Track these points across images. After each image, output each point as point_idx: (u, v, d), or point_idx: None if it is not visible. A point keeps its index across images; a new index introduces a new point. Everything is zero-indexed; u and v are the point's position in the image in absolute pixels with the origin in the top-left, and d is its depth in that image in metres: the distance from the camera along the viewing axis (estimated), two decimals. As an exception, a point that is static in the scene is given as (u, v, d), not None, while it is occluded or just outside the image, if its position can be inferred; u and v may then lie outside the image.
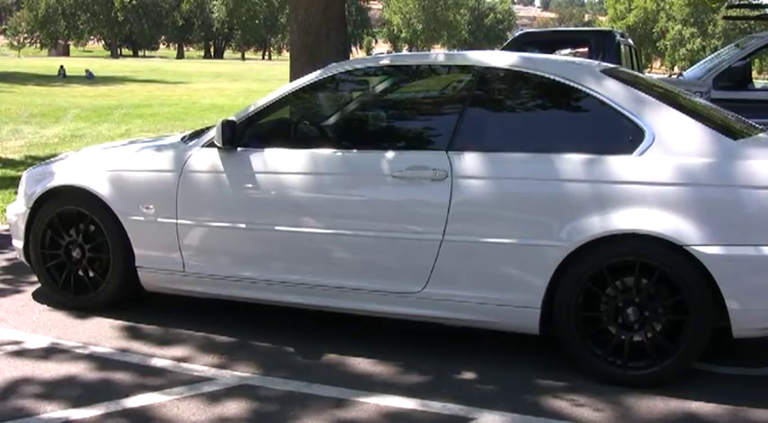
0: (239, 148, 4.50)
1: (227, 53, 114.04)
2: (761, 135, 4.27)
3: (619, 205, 3.76)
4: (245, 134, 4.55)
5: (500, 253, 3.96)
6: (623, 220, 3.74)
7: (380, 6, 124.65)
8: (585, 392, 3.76)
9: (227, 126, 4.45)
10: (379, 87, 4.95)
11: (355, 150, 4.41)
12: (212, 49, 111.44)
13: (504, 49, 11.03)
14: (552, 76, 4.16)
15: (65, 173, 4.95)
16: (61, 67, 39.35)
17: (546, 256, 3.86)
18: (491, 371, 4.01)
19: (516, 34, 12.08)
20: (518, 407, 3.61)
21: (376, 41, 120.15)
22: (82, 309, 4.87)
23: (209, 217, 4.53)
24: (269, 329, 4.59)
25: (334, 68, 4.73)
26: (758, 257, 3.62)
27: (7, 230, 5.74)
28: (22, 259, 5.15)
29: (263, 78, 40.34)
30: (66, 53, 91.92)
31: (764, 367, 4.17)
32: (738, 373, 4.06)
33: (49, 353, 4.24)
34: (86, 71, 37.97)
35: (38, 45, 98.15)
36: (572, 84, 4.10)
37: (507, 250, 3.95)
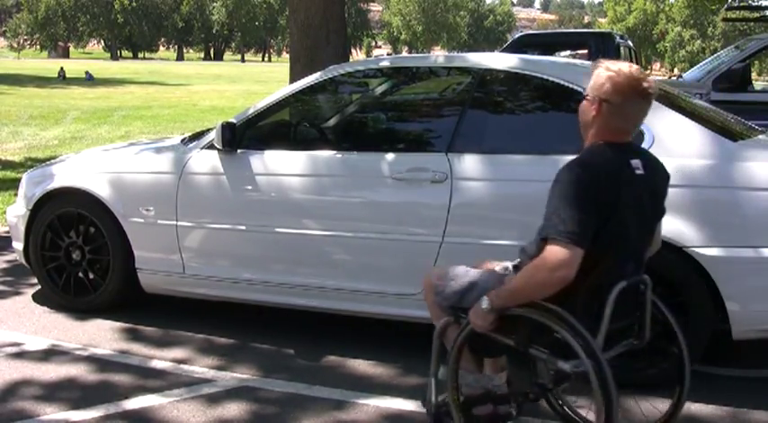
0: (239, 150, 4.50)
1: (227, 55, 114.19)
2: (760, 137, 4.27)
3: (618, 207, 3.75)
4: (244, 136, 4.55)
5: (500, 254, 3.95)
6: (623, 221, 3.73)
7: (380, 8, 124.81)
8: (585, 395, 3.75)
9: (227, 128, 4.45)
10: (379, 89, 4.95)
11: (355, 152, 4.41)
12: (212, 51, 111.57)
13: (503, 51, 11.04)
14: (552, 78, 4.16)
15: (65, 175, 4.95)
16: (61, 68, 39.42)
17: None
18: (491, 373, 4.01)
19: (516, 36, 12.10)
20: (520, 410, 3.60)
21: (376, 43, 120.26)
22: (82, 311, 4.87)
23: (208, 219, 4.53)
24: (269, 331, 4.59)
25: (334, 70, 4.73)
26: (758, 259, 3.62)
27: (7, 232, 5.74)
28: (22, 261, 5.15)
29: (263, 80, 40.38)
30: (65, 55, 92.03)
31: (764, 369, 4.17)
32: (738, 374, 4.06)
33: (49, 354, 4.24)
34: (86, 73, 38.04)
35: (38, 47, 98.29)
36: (572, 85, 4.10)
37: (507, 252, 3.93)
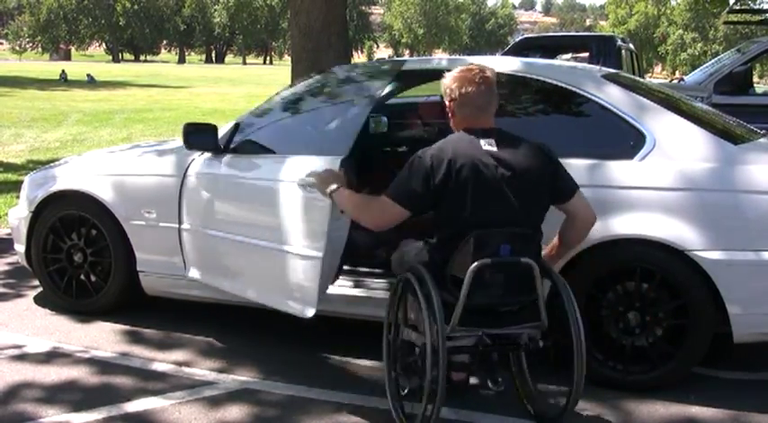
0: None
1: (229, 58, 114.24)
2: (762, 140, 4.27)
3: (620, 210, 3.76)
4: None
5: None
6: (624, 225, 3.74)
7: (382, 11, 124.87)
8: (586, 397, 3.74)
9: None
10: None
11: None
12: (214, 54, 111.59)
13: (505, 53, 11.04)
14: (553, 81, 4.16)
15: (67, 177, 4.96)
16: (63, 71, 39.46)
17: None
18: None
19: (517, 39, 12.09)
20: (519, 411, 3.61)
21: (377, 46, 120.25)
22: (83, 313, 4.88)
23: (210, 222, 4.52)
24: (270, 334, 4.59)
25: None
26: (759, 262, 3.62)
27: (9, 234, 5.75)
28: (24, 263, 5.15)
29: (265, 83, 40.37)
30: (67, 57, 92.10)
31: (765, 372, 4.17)
32: (739, 377, 4.06)
33: (51, 357, 4.25)
34: (88, 75, 38.08)
35: (39, 49, 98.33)
36: (573, 89, 4.10)
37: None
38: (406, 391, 3.48)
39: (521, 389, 3.61)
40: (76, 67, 48.96)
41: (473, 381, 3.77)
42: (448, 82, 3.40)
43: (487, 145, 3.23)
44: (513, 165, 3.21)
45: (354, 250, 4.22)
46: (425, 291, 3.15)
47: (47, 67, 51.64)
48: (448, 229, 3.23)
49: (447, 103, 3.42)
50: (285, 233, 3.91)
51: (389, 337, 3.49)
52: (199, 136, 4.39)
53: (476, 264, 3.06)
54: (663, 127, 3.89)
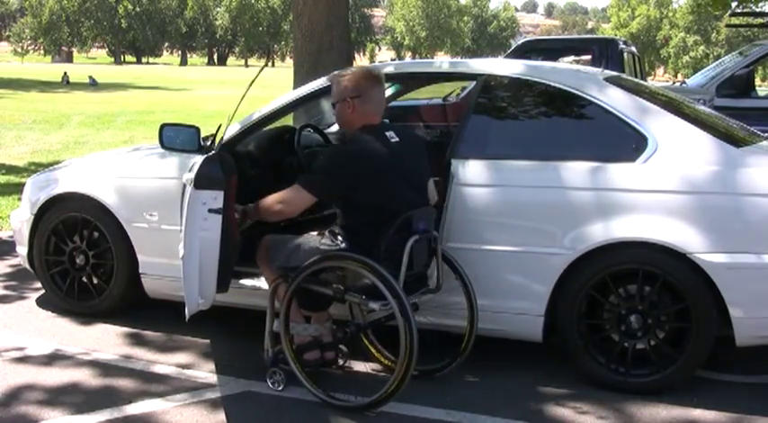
0: None
1: (231, 60, 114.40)
2: (764, 143, 4.27)
3: (622, 213, 3.76)
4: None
5: (503, 261, 3.95)
6: (626, 228, 3.74)
7: (384, 14, 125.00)
8: (588, 400, 3.76)
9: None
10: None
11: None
12: (216, 56, 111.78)
13: (507, 56, 11.04)
14: (556, 84, 4.16)
15: (69, 180, 4.95)
16: (65, 73, 39.53)
17: (549, 264, 3.86)
18: (494, 378, 4.01)
19: (519, 42, 12.07)
20: (521, 414, 3.61)
21: (379, 49, 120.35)
22: (85, 315, 4.88)
23: None
24: (272, 336, 4.59)
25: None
26: (761, 265, 3.61)
27: (11, 237, 5.75)
28: (26, 266, 5.15)
29: (267, 85, 40.35)
30: (69, 60, 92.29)
31: (766, 375, 4.16)
32: (741, 380, 4.06)
33: (53, 359, 4.25)
34: (90, 78, 38.14)
35: (41, 52, 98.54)
36: (575, 92, 4.10)
37: (510, 258, 3.94)
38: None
39: (380, 356, 4.03)
40: (78, 70, 49.03)
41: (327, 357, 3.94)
42: (352, 80, 3.68)
43: (392, 138, 3.64)
44: (413, 152, 3.72)
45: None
46: (376, 271, 3.42)
47: (49, 70, 51.73)
48: (374, 215, 3.54)
49: (347, 99, 3.66)
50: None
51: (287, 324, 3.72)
52: (176, 137, 4.36)
53: (412, 239, 3.49)
54: (665, 130, 3.88)
